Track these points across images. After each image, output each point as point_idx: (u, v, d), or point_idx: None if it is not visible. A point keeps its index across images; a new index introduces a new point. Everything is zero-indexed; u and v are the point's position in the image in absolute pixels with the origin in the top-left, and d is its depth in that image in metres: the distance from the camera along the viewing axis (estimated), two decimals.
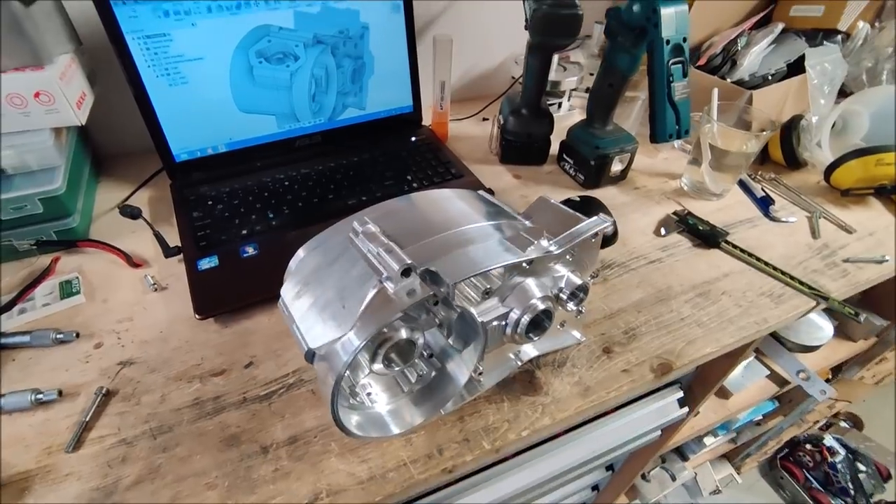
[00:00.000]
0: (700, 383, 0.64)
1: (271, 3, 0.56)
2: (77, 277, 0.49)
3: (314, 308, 0.32)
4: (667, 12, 0.48)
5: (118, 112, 0.61)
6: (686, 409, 0.60)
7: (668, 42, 0.49)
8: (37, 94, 0.47)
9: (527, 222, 0.39)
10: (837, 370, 1.08)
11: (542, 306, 0.36)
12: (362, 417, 0.35)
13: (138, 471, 0.35)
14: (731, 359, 0.58)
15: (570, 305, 0.39)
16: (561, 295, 0.38)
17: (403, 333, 0.33)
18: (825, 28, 0.76)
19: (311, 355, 0.30)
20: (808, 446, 1.43)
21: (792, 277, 0.53)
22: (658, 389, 0.60)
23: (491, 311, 0.35)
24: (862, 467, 1.39)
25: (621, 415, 0.57)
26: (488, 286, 0.34)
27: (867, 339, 0.94)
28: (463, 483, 0.52)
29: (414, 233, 0.35)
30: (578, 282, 0.37)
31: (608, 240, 0.56)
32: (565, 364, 0.44)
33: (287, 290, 0.34)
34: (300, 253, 0.37)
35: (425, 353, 0.38)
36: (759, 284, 0.53)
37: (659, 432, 0.66)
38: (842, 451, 1.39)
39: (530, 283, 0.36)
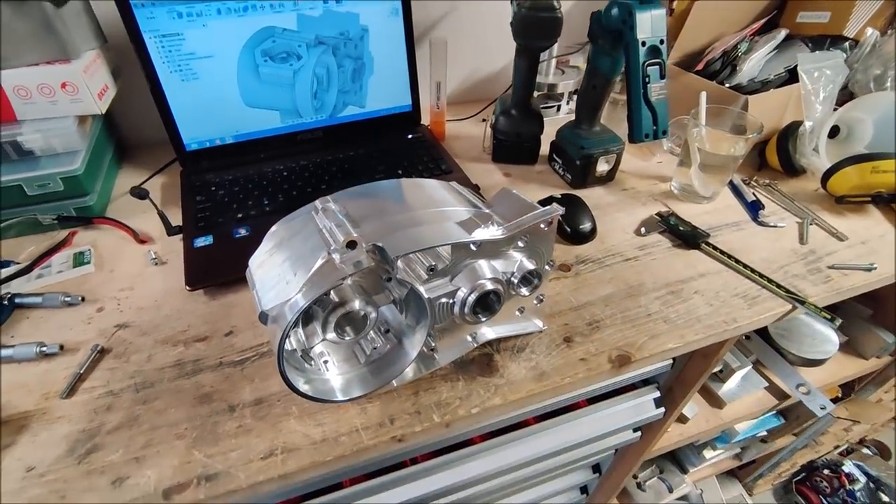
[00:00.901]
0: (679, 384, 0.63)
1: (276, 6, 0.61)
2: (90, 249, 0.54)
3: (272, 275, 0.35)
4: (642, 16, 0.49)
5: (139, 104, 0.67)
6: (662, 410, 0.60)
7: (643, 44, 0.50)
8: (63, 85, 0.53)
9: (486, 209, 0.41)
10: (850, 389, 1.04)
11: (490, 287, 0.38)
12: (313, 385, 0.37)
13: (120, 418, 0.39)
14: (706, 359, 0.58)
15: (523, 290, 0.41)
16: (512, 279, 0.40)
17: (357, 305, 0.35)
18: (832, 34, 0.75)
19: (264, 317, 0.33)
20: (827, 471, 1.37)
21: (769, 280, 0.53)
22: (633, 388, 0.60)
23: (439, 289, 0.37)
24: (885, 498, 1.32)
25: (594, 409, 0.58)
26: (434, 264, 0.36)
27: (880, 357, 0.90)
28: (435, 460, 0.54)
29: (375, 213, 0.38)
30: (530, 266, 0.39)
31: (585, 236, 0.58)
32: (524, 350, 0.45)
33: (254, 259, 0.38)
34: (273, 227, 0.40)
35: (382, 329, 0.41)
36: (735, 286, 0.53)
37: (638, 433, 0.66)
38: (862, 479, 1.32)
39: (482, 264, 0.38)
